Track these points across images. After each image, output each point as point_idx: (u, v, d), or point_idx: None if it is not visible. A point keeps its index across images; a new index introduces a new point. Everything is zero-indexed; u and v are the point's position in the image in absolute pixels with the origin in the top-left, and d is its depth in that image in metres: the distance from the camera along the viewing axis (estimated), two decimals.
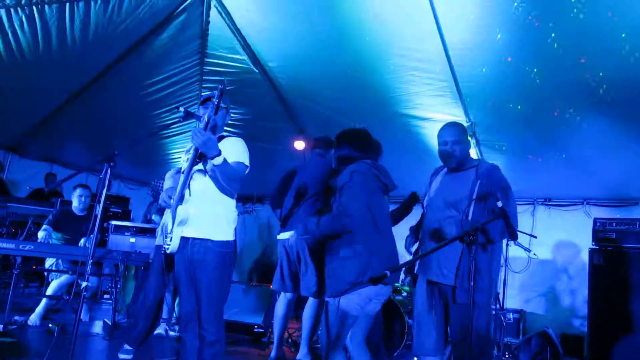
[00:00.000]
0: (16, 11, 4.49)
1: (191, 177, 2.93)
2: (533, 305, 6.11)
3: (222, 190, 2.93)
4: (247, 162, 2.97)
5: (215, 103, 2.76)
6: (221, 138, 3.03)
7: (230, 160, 2.85)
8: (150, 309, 4.13)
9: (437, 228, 2.98)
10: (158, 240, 4.39)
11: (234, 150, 2.93)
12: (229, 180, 2.86)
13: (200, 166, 2.94)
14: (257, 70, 5.76)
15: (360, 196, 2.88)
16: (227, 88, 6.15)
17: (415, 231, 3.26)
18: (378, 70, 5.13)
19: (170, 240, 2.90)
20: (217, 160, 2.71)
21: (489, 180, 2.91)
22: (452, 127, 3.13)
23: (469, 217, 2.86)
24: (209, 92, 3.15)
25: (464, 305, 2.75)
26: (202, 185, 2.93)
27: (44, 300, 5.00)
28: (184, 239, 2.90)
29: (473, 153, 5.43)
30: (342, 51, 5.09)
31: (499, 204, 2.73)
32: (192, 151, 2.87)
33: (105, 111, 6.39)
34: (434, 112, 5.40)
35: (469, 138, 3.12)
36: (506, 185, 2.97)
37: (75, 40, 4.97)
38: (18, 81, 5.60)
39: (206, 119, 2.77)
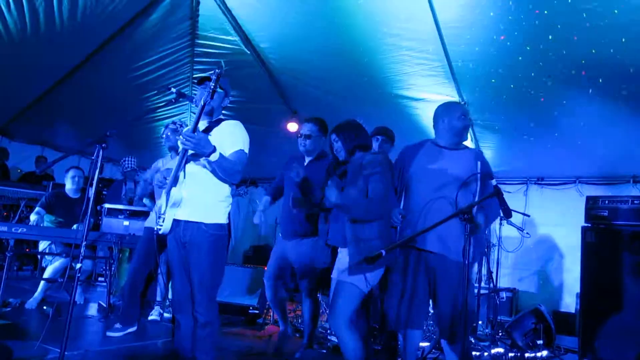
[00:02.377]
0: None
1: (186, 160, 2.89)
2: (526, 284, 6.15)
3: (223, 181, 2.90)
4: (246, 149, 2.93)
5: (212, 87, 2.72)
6: (219, 121, 3.00)
7: (229, 150, 2.83)
8: (131, 288, 4.24)
9: (436, 202, 3.01)
10: (148, 222, 4.40)
11: (232, 138, 2.90)
12: (228, 175, 2.84)
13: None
14: (248, 52, 5.70)
15: (387, 185, 2.96)
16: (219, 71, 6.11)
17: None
18: (371, 50, 5.09)
19: (163, 222, 2.89)
20: (213, 157, 2.68)
21: (484, 163, 3.08)
22: (463, 105, 3.29)
23: (476, 196, 2.96)
24: (205, 74, 3.06)
25: (455, 280, 2.83)
26: (197, 167, 2.89)
27: (41, 285, 5.01)
28: (176, 221, 2.89)
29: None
30: (334, 31, 5.04)
31: (493, 182, 2.80)
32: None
33: (96, 94, 6.33)
34: (427, 92, 5.38)
35: None
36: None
37: (63, 22, 4.91)
38: (6, 64, 5.54)
39: (202, 103, 2.74)
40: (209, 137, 2.76)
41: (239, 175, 2.89)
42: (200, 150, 2.67)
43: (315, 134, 4.00)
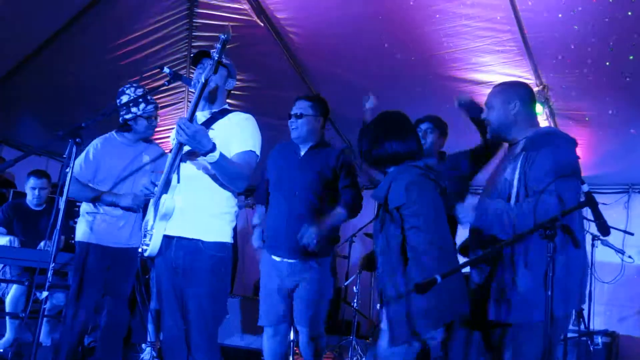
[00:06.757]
0: None
1: (180, 159, 2.87)
2: (629, 326, 6.04)
3: (224, 187, 2.89)
4: (258, 150, 2.95)
5: (216, 58, 2.65)
6: (225, 112, 2.98)
7: (237, 149, 2.84)
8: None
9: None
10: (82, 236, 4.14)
11: (242, 135, 2.90)
12: (231, 180, 2.82)
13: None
14: (262, 24, 5.71)
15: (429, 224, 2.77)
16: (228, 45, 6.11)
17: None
18: (416, 20, 5.06)
19: (150, 240, 2.85)
20: (212, 157, 2.63)
21: (535, 150, 2.71)
22: (494, 87, 3.07)
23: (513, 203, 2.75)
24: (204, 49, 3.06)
25: (509, 327, 2.68)
26: (193, 169, 2.86)
27: (8, 322, 5.03)
28: (167, 239, 2.85)
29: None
30: None
31: (585, 187, 2.59)
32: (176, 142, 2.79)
33: (67, 79, 6.39)
34: (494, 73, 5.39)
35: (519, 102, 2.95)
36: (566, 160, 2.67)
37: None
38: None
39: (203, 80, 2.66)
40: (210, 132, 2.73)
41: (244, 182, 2.87)
42: (195, 146, 2.61)
43: (308, 113, 3.86)
